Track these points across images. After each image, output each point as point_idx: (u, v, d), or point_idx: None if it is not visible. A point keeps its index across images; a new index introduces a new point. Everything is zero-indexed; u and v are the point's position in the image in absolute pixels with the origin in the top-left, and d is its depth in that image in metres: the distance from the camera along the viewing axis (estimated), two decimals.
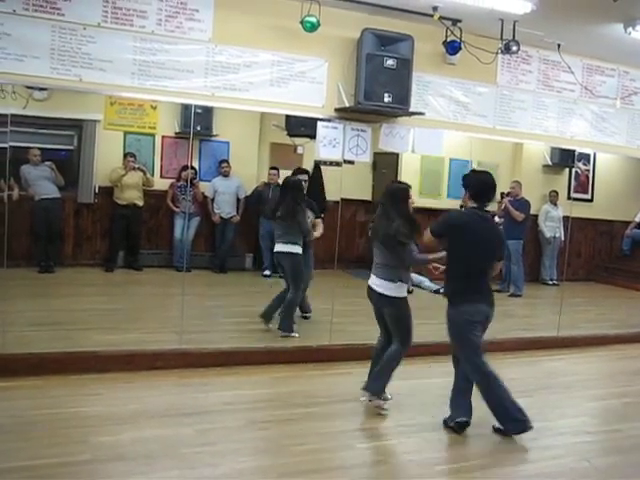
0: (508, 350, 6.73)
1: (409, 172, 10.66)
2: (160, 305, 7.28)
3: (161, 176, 9.74)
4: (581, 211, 10.68)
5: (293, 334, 6.42)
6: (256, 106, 5.88)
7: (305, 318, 7.06)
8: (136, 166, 9.22)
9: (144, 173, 9.30)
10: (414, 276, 9.79)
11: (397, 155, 10.15)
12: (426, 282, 9.61)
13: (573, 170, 11.30)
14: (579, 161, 11.43)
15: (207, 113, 9.13)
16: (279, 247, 6.53)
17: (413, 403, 5.04)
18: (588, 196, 11.86)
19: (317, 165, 9.77)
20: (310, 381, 5.45)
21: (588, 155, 11.37)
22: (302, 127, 7.77)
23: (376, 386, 4.79)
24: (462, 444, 4.45)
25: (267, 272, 9.71)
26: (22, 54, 4.96)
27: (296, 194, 6.47)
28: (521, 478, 3.92)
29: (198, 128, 8.92)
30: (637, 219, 11.74)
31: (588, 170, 11.82)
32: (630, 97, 7.50)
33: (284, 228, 6.47)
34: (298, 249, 6.49)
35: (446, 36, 6.20)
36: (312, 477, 3.75)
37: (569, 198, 10.87)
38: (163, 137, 9.70)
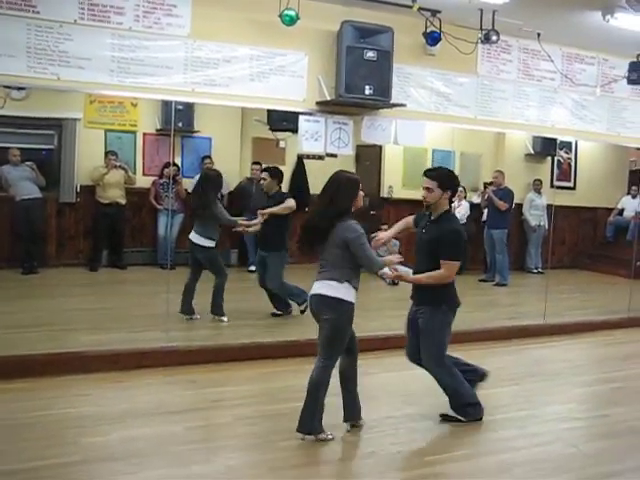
0: (495, 339, 6.77)
1: (392, 164, 10.70)
2: (146, 303, 7.23)
3: (143, 174, 9.69)
4: (564, 199, 10.74)
5: (224, 318, 6.61)
6: (237, 101, 5.86)
7: (275, 315, 7.06)
8: (118, 164, 9.16)
9: (126, 171, 9.25)
10: (400, 267, 9.80)
11: (380, 147, 10.17)
12: (411, 273, 9.59)
13: (555, 158, 11.36)
14: (561, 149, 11.49)
15: (188, 109, 9.08)
16: (192, 236, 6.67)
17: (400, 394, 5.05)
18: (571, 184, 11.93)
19: (300, 159, 9.76)
20: (298, 376, 5.40)
21: (570, 143, 11.44)
22: (284, 121, 7.74)
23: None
24: (450, 434, 4.46)
25: (253, 267, 9.67)
26: None
27: (209, 186, 6.57)
28: (509, 466, 3.94)
29: (179, 124, 8.87)
30: (619, 206, 11.81)
31: (570, 158, 11.89)
32: (610, 85, 7.54)
33: (200, 220, 6.61)
34: (210, 243, 6.60)
35: (426, 27, 6.20)
36: (302, 471, 3.75)
37: (552, 186, 10.92)
38: (144, 134, 9.65)
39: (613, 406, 5.14)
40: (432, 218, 4.48)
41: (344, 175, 4.18)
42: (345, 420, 4.33)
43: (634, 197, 11.52)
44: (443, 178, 4.40)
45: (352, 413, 4.35)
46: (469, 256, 8.58)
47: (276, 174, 6.79)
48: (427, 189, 4.39)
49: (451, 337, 4.53)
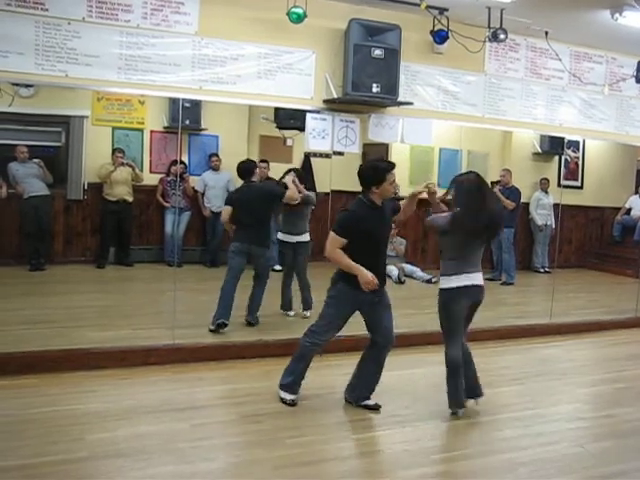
0: (501, 338, 6.77)
1: (399, 162, 10.47)
2: (152, 301, 7.27)
3: (150, 171, 9.70)
4: (571, 198, 10.70)
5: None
6: (244, 99, 5.85)
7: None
8: (125, 162, 9.18)
9: (133, 169, 9.27)
10: (406, 266, 9.83)
11: (387, 145, 10.14)
12: (418, 272, 9.63)
13: (563, 157, 11.31)
14: (568, 148, 11.44)
15: (195, 107, 9.09)
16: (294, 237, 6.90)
17: (406, 393, 5.05)
18: (578, 183, 11.88)
19: (307, 157, 9.76)
20: None
21: (577, 142, 11.39)
22: (291, 119, 7.74)
23: None
24: (456, 432, 4.47)
25: None
26: (6, 50, 4.93)
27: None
28: (515, 465, 3.93)
29: (187, 122, 8.89)
30: (627, 205, 11.76)
31: (577, 157, 11.83)
32: (618, 83, 7.52)
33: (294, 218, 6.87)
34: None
35: (433, 25, 6.19)
36: (307, 469, 3.76)
37: (559, 185, 10.88)
38: (152, 132, 9.66)
39: (618, 406, 5.13)
40: None
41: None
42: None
43: None
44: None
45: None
46: None
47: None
48: None
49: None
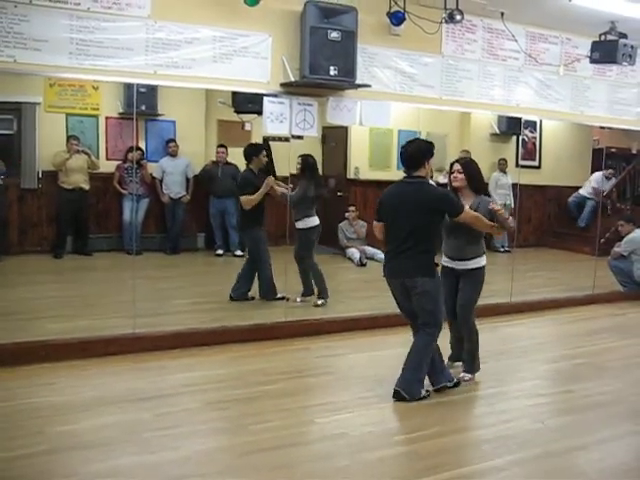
0: None
1: (359, 145, 10.67)
2: (112, 290, 7.16)
3: (107, 158, 9.52)
4: (529, 178, 10.81)
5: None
6: (200, 83, 5.75)
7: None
8: (80, 149, 9.00)
9: (89, 156, 9.10)
10: (367, 249, 9.86)
11: (346, 128, 10.14)
12: (379, 254, 9.65)
13: (520, 138, 11.43)
14: (526, 129, 11.56)
15: (151, 92, 8.91)
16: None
17: (370, 375, 5.07)
18: (536, 163, 12.03)
19: (266, 141, 9.68)
20: (267, 359, 5.44)
21: (534, 122, 11.52)
22: (249, 103, 7.65)
23: None
24: (421, 413, 4.50)
25: (220, 251, 9.65)
26: None
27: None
28: (478, 442, 3.99)
29: (143, 108, 8.70)
30: (594, 185, 11.84)
31: (535, 137, 11.97)
32: (573, 64, 7.60)
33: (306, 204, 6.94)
34: None
35: (390, 7, 6.17)
36: (273, 454, 3.75)
37: (517, 165, 11.00)
38: (107, 118, 9.46)
39: (577, 382, 5.23)
40: None
41: None
42: None
43: (608, 179, 11.62)
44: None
45: None
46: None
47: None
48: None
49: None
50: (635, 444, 4.22)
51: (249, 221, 6.78)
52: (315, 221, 6.96)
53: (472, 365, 5.08)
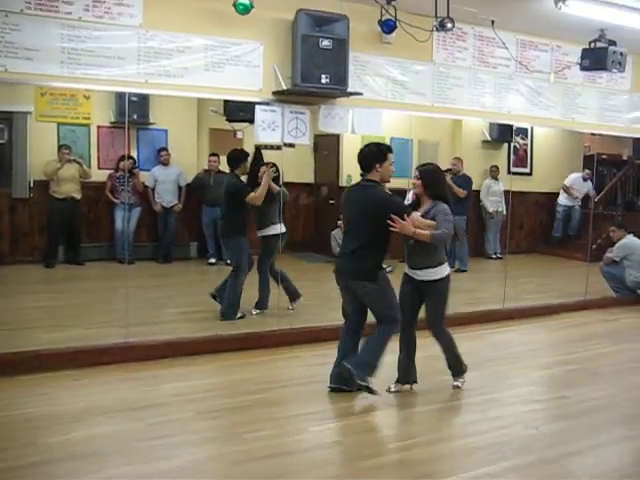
0: (456, 325, 6.76)
1: (350, 153, 10.54)
2: (104, 299, 7.13)
3: (99, 167, 9.51)
4: (521, 185, 10.86)
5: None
6: (192, 92, 5.76)
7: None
8: (72, 158, 8.98)
9: (80, 165, 9.07)
10: None
11: (338, 136, 10.14)
12: None
13: (512, 145, 11.47)
14: (517, 136, 11.61)
15: (143, 101, 8.91)
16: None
17: None
18: (527, 170, 12.06)
19: (258, 149, 9.68)
20: (259, 367, 5.42)
21: (526, 129, 11.56)
22: (241, 112, 7.64)
23: None
24: (413, 420, 4.50)
25: (212, 260, 9.63)
26: None
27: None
28: (473, 449, 3.98)
29: (134, 117, 8.69)
30: (567, 183, 11.84)
31: (526, 144, 12.01)
32: (563, 71, 7.65)
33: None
34: None
35: (381, 15, 6.19)
36: (266, 463, 3.73)
37: (509, 172, 11.03)
38: (98, 127, 9.46)
39: (571, 388, 5.24)
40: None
41: None
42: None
43: (585, 180, 11.66)
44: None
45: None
46: None
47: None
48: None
49: None
50: (629, 449, 4.22)
51: (235, 229, 6.66)
52: (278, 229, 6.84)
53: (460, 367, 5.01)
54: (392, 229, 4.49)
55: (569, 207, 11.91)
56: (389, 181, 4.80)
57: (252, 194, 6.51)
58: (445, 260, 4.83)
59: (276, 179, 6.74)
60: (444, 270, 4.78)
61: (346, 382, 4.64)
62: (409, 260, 4.81)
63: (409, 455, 3.94)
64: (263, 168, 6.65)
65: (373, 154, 4.71)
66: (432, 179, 4.79)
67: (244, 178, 6.89)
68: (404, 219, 4.46)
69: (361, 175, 4.80)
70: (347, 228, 4.80)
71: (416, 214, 4.60)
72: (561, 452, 3.99)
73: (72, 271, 8.83)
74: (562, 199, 11.91)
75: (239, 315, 6.62)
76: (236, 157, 6.78)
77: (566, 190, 11.85)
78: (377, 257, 4.65)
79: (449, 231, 4.62)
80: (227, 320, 6.49)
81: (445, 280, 4.79)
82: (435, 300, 4.82)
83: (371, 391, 4.57)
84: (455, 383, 4.98)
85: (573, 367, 5.77)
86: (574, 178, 11.85)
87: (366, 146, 4.80)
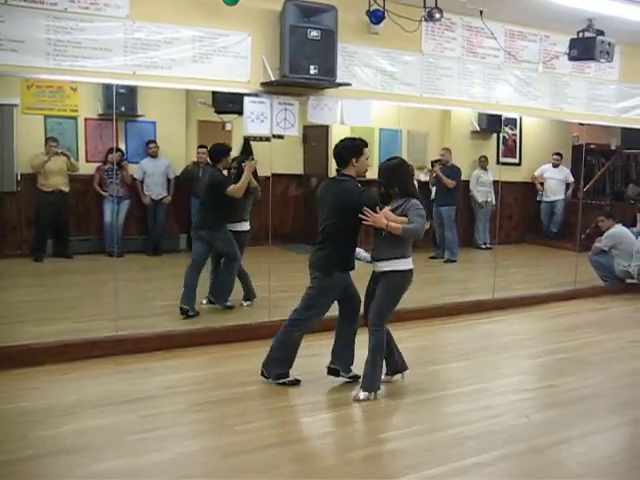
0: (445, 315, 6.85)
1: None
2: (93, 292, 7.11)
3: (87, 160, 9.45)
4: (510, 175, 10.90)
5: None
6: (180, 83, 5.72)
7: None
8: (59, 151, 8.91)
9: (68, 158, 9.01)
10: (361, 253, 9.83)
11: (327, 127, 10.11)
12: (362, 253, 9.65)
13: (500, 135, 11.49)
14: (506, 126, 11.63)
15: (131, 93, 8.85)
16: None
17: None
18: (516, 160, 12.09)
19: (247, 141, 9.66)
20: (251, 359, 5.40)
21: (514, 120, 11.60)
22: (230, 103, 7.62)
23: None
24: (404, 410, 4.52)
25: None
26: None
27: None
28: (463, 439, 3.99)
29: (122, 109, 8.63)
30: (537, 173, 11.78)
31: (515, 134, 12.04)
32: (551, 61, 7.65)
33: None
34: None
35: (369, 5, 6.17)
36: (258, 455, 3.73)
37: (498, 163, 11.06)
38: (86, 119, 9.39)
39: (560, 376, 5.26)
40: None
41: None
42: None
43: (555, 166, 11.64)
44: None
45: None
46: None
47: None
48: None
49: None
50: (619, 437, 4.26)
51: (220, 221, 6.64)
52: (248, 226, 6.93)
53: (370, 381, 4.58)
54: (365, 222, 4.44)
55: (551, 202, 11.76)
56: (364, 175, 4.81)
57: (233, 186, 6.52)
58: (409, 256, 4.60)
59: (254, 174, 6.73)
60: (402, 264, 4.55)
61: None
62: (375, 252, 4.67)
63: (400, 444, 3.95)
64: (249, 162, 6.63)
65: (348, 149, 4.71)
66: (392, 176, 4.63)
67: (228, 173, 6.88)
68: (376, 212, 4.43)
69: (337, 170, 4.77)
70: (320, 221, 4.78)
71: (386, 209, 4.51)
72: (551, 440, 4.01)
73: (61, 264, 8.79)
74: (541, 196, 11.82)
75: (229, 304, 6.65)
76: (217, 151, 6.72)
77: (535, 181, 11.77)
78: (338, 251, 4.66)
79: (421, 226, 4.45)
80: (219, 303, 6.62)
81: (399, 274, 4.55)
82: (382, 292, 4.57)
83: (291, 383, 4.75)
84: (357, 394, 4.59)
85: (562, 356, 5.81)
86: (544, 168, 11.73)
87: (341, 141, 4.79)
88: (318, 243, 4.74)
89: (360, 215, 4.42)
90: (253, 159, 6.69)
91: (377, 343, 4.57)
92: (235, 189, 6.47)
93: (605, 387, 5.02)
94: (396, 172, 4.63)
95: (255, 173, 6.76)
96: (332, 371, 4.86)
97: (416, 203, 4.51)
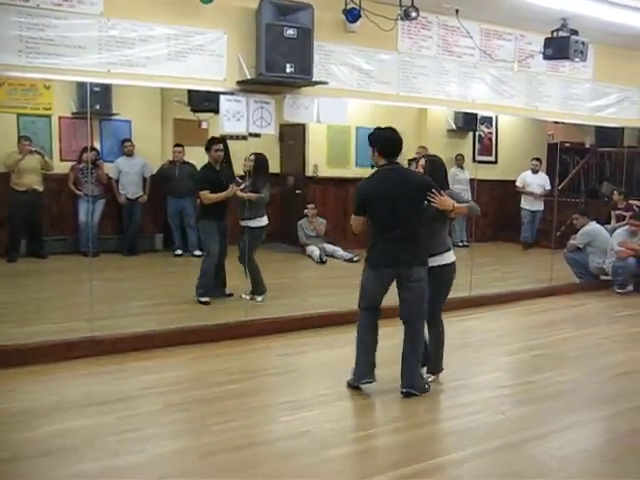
0: None
1: (316, 142, 10.67)
2: (69, 293, 7.04)
3: (61, 159, 9.37)
4: (486, 173, 10.96)
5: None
6: (155, 82, 5.68)
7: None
8: (33, 149, 8.81)
9: (42, 156, 8.91)
10: (327, 246, 9.86)
11: (304, 126, 10.13)
12: (339, 251, 9.68)
13: (476, 133, 11.57)
14: (482, 124, 11.71)
15: (105, 91, 8.79)
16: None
17: (331, 372, 5.05)
18: (492, 158, 12.19)
19: (223, 139, 9.63)
20: (229, 358, 5.41)
21: (490, 118, 11.68)
22: (206, 102, 7.61)
23: None
24: (382, 409, 4.53)
25: (178, 251, 9.58)
26: None
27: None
28: (439, 436, 4.03)
29: (97, 107, 8.57)
30: (519, 183, 11.61)
31: (491, 133, 12.13)
32: (527, 60, 7.71)
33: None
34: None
35: (345, 4, 6.17)
36: (237, 454, 3.72)
37: (474, 161, 11.13)
38: (60, 118, 9.31)
39: (537, 372, 5.31)
40: None
41: None
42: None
43: (535, 172, 11.63)
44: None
45: None
46: None
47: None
48: None
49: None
50: (595, 431, 4.31)
51: (204, 212, 6.77)
52: (266, 220, 6.97)
53: (436, 364, 4.97)
54: (432, 204, 4.49)
55: (533, 212, 11.60)
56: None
57: (203, 192, 6.56)
58: (451, 248, 4.95)
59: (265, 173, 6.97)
60: (450, 257, 4.88)
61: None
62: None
63: (378, 442, 3.97)
64: (233, 188, 6.71)
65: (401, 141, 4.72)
66: (436, 170, 4.84)
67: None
68: (441, 194, 4.51)
69: (389, 160, 4.60)
70: (388, 215, 4.49)
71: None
72: (528, 436, 4.04)
73: (35, 265, 8.70)
74: (524, 204, 11.64)
75: (205, 300, 6.66)
76: (206, 145, 6.86)
77: (521, 191, 11.64)
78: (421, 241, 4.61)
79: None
80: (196, 295, 6.67)
81: (447, 268, 4.87)
82: (434, 285, 4.73)
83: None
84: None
85: (539, 352, 5.86)
86: (523, 176, 11.62)
87: (393, 132, 4.71)
88: (402, 238, 4.48)
89: (428, 197, 4.48)
90: (240, 184, 6.75)
91: (437, 333, 4.91)
92: (205, 196, 6.64)
93: (581, 382, 5.08)
94: (440, 167, 4.87)
95: (266, 171, 6.99)
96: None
97: (453, 191, 4.85)
